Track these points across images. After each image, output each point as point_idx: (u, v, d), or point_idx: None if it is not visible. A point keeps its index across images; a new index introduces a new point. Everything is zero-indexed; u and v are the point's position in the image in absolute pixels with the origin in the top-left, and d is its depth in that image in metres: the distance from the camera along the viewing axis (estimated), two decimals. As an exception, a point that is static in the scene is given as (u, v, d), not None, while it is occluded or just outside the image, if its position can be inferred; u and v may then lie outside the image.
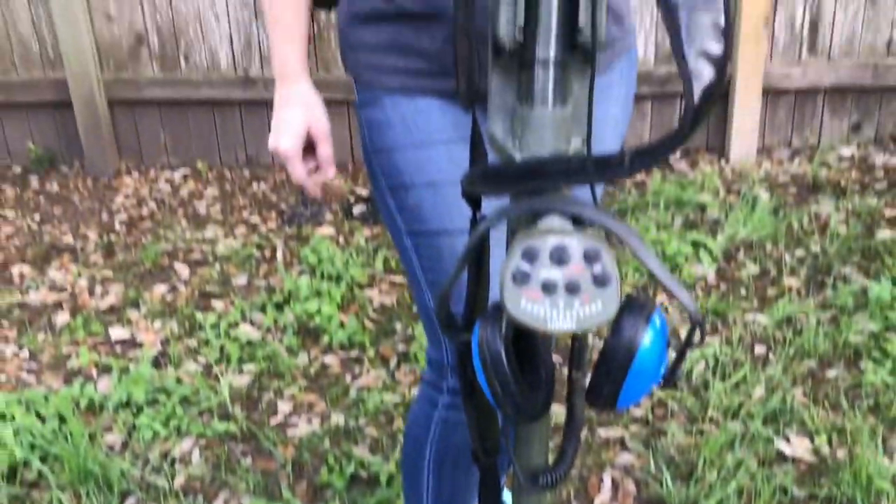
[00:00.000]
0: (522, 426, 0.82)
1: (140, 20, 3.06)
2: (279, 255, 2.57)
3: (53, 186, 3.13)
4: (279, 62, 1.09)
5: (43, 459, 1.74)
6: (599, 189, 1.12)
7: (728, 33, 0.69)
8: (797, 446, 1.72)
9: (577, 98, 0.76)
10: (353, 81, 1.09)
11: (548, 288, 0.66)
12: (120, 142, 3.22)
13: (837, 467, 1.65)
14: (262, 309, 2.27)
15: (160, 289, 2.43)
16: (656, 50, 3.04)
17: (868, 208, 2.62)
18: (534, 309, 0.66)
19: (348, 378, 2.01)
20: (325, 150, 1.07)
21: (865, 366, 1.93)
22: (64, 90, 3.09)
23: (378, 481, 1.67)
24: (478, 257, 0.83)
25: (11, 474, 1.73)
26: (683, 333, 1.83)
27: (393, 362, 2.05)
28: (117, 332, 2.22)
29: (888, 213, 2.59)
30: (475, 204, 0.84)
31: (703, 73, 0.68)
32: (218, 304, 2.32)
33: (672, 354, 0.71)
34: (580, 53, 0.73)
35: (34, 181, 3.17)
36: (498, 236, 0.78)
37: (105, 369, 2.06)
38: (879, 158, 2.99)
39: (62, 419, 1.84)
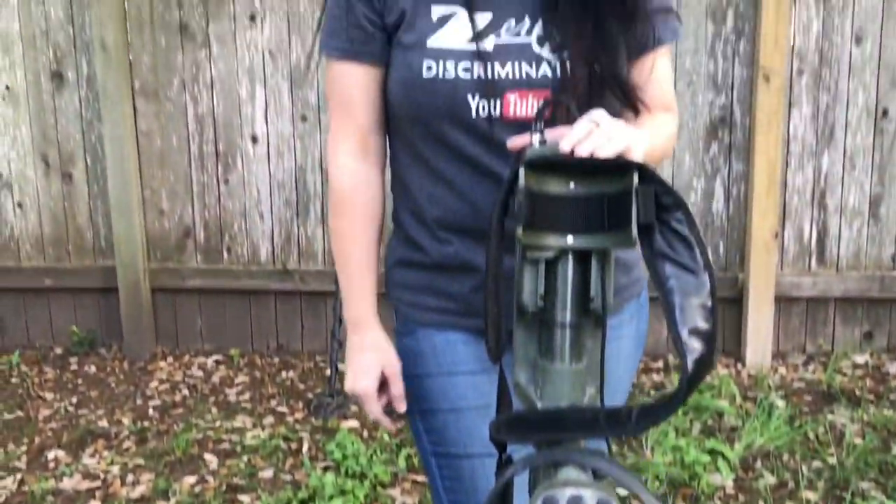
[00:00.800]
0: None
1: (189, 215, 3.30)
2: (305, 448, 2.64)
3: (91, 368, 3.25)
4: (354, 313, 1.22)
5: None
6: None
7: (714, 314, 0.84)
8: None
9: (591, 354, 0.91)
10: (394, 312, 1.25)
11: None
12: (158, 327, 3.37)
13: None
14: (288, 505, 2.32)
15: (189, 480, 2.49)
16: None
17: (884, 420, 2.68)
18: None
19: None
20: (396, 388, 1.18)
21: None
22: (111, 277, 3.28)
23: None
24: (503, 500, 0.92)
25: None
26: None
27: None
28: (146, 525, 2.27)
29: (903, 426, 2.65)
30: (501, 447, 0.96)
31: (695, 347, 0.82)
32: (244, 499, 2.38)
33: None
34: (593, 316, 0.88)
35: (73, 363, 3.30)
36: (519, 479, 0.87)
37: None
38: (893, 367, 3.07)
39: None
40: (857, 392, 2.88)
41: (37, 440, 2.75)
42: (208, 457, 2.61)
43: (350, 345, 1.22)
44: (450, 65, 1.08)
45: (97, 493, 2.43)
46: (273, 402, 2.97)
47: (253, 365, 3.27)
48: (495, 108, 1.08)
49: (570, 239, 0.82)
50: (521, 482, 0.87)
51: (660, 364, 3.14)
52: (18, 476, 2.53)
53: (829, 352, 3.20)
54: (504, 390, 1.00)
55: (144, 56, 3.19)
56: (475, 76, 1.07)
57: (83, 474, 2.53)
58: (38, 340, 3.43)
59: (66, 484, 2.48)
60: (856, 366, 3.10)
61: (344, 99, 1.16)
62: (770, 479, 2.41)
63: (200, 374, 3.20)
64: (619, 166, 0.84)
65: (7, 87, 3.24)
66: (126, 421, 2.86)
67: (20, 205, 3.34)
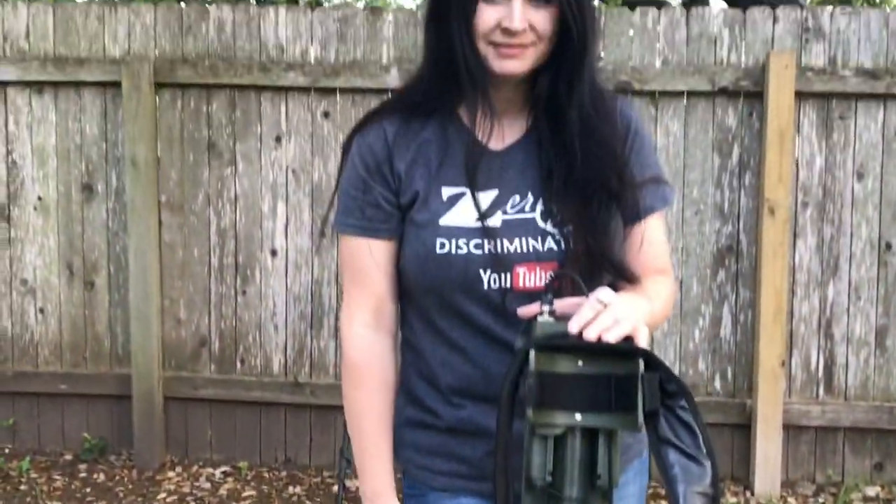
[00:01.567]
0: None
1: (206, 325, 3.36)
2: (310, 568, 2.62)
3: (100, 477, 3.26)
4: (370, 486, 1.23)
5: None
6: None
7: (716, 498, 0.89)
8: None
9: None
10: (402, 473, 1.27)
11: None
12: (169, 435, 3.39)
13: None
14: None
15: None
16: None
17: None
18: None
19: None
20: None
21: None
22: (126, 385, 3.33)
23: None
24: None
25: None
26: None
27: None
28: None
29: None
30: None
31: None
32: None
33: None
34: (599, 492, 0.93)
35: (83, 469, 3.31)
36: None
37: None
38: (903, 501, 3.05)
39: None
40: (868, 527, 2.85)
41: (41, 551, 2.74)
42: (212, 575, 2.60)
43: None
44: (462, 242, 1.14)
45: None
46: (279, 518, 2.96)
47: (261, 478, 3.27)
48: (506, 280, 1.14)
49: (578, 417, 0.88)
50: None
51: None
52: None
53: (839, 482, 3.18)
54: None
55: (172, 171, 3.33)
56: (486, 251, 1.14)
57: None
58: (49, 445, 3.45)
59: None
60: (867, 498, 3.08)
61: (359, 272, 1.22)
62: None
63: (208, 486, 3.20)
64: (626, 351, 0.91)
65: (39, 198, 3.37)
66: (131, 534, 2.86)
67: (42, 310, 3.42)
